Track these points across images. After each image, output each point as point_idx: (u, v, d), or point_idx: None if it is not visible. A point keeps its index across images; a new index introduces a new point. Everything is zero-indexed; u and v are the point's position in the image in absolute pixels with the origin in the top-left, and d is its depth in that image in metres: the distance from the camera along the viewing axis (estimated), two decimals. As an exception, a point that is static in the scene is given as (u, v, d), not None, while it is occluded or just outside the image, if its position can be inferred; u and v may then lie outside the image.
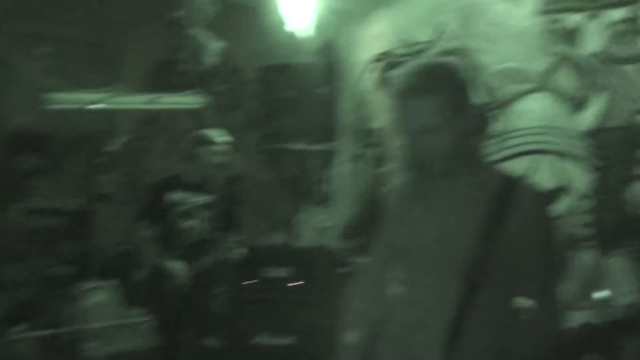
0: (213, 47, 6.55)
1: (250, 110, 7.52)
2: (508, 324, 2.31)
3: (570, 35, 5.75)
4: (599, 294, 4.69)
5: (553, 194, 5.48)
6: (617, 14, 5.51)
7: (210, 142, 5.02)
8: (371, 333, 2.49)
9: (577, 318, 4.31)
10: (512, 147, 5.78)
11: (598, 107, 5.56)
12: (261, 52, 6.84)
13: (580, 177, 5.61)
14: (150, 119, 8.31)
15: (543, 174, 5.64)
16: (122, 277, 6.82)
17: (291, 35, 6.74)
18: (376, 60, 6.82)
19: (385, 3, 6.79)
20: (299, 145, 6.62)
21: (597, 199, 5.53)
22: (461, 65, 2.31)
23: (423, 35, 6.51)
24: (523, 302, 2.59)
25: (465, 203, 2.29)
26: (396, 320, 2.38)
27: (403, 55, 6.54)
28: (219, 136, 5.06)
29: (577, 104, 5.65)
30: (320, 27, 6.80)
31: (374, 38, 6.88)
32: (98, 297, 6.12)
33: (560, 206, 5.51)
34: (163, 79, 7.91)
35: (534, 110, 5.84)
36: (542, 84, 5.84)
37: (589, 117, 5.60)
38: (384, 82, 6.68)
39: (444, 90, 2.23)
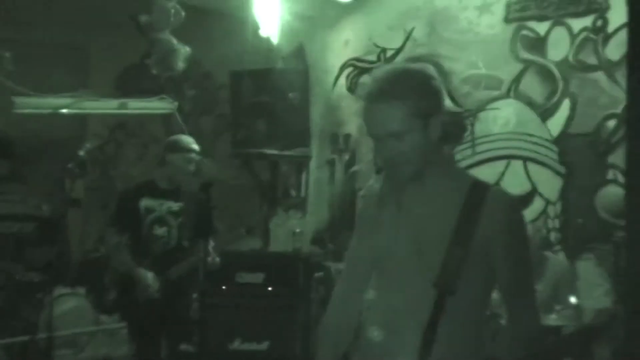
0: (182, 52, 6.50)
1: (221, 115, 7.52)
2: (483, 328, 2.36)
3: (538, 43, 5.82)
4: (569, 298, 4.75)
5: (523, 199, 5.56)
6: (583, 22, 5.59)
7: (181, 149, 4.94)
8: (347, 339, 2.50)
9: (547, 321, 4.35)
10: (481, 152, 5.85)
11: (566, 113, 5.64)
12: (232, 58, 6.83)
13: (548, 183, 5.69)
14: (120, 124, 8.27)
15: (512, 179, 5.72)
16: (94, 283, 6.79)
17: (262, 41, 6.74)
18: (346, 66, 6.86)
19: (355, 10, 6.83)
20: (271, 151, 6.61)
21: (566, 204, 5.62)
22: (429, 72, 2.30)
23: (392, 41, 6.57)
24: (498, 305, 2.63)
25: (437, 208, 2.29)
26: (372, 325, 2.39)
27: (372, 61, 6.59)
28: (189, 142, 5.00)
29: (545, 110, 5.73)
30: (291, 33, 6.81)
31: (344, 44, 6.92)
32: (70, 304, 6.07)
33: (530, 211, 5.60)
34: (132, 83, 7.87)
35: (502, 117, 5.91)
36: (510, 91, 5.92)
37: (556, 123, 5.68)
38: (354, 87, 6.72)
39: (409, 96, 2.22)
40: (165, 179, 4.99)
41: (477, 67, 6.08)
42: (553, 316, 4.48)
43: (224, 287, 5.67)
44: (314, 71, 6.95)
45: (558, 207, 5.64)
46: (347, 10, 6.85)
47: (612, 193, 5.33)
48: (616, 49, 5.39)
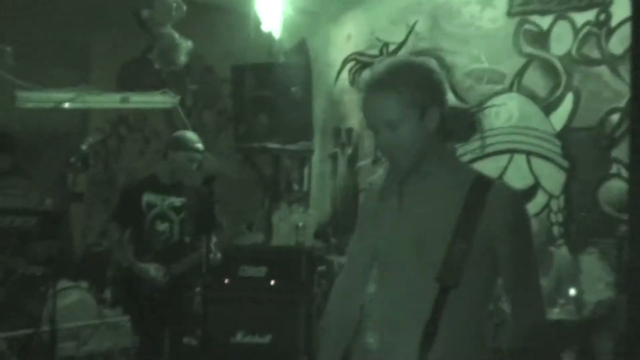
0: (184, 46, 6.49)
1: (223, 109, 7.51)
2: (485, 323, 2.36)
3: (541, 37, 5.82)
4: (571, 292, 4.75)
5: (526, 193, 5.57)
6: (586, 16, 5.59)
7: (185, 147, 4.91)
8: (348, 332, 2.49)
9: (550, 315, 4.35)
10: (484, 147, 5.85)
11: (569, 107, 5.64)
12: (235, 52, 6.82)
13: (552, 177, 5.69)
14: (122, 118, 8.27)
15: (515, 173, 5.73)
16: (97, 277, 6.80)
17: (265, 36, 6.73)
18: (349, 61, 6.86)
19: (358, 4, 6.83)
20: (274, 145, 6.60)
21: (569, 198, 5.62)
22: (430, 64, 2.30)
23: (395, 36, 6.56)
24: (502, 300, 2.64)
25: (440, 202, 2.28)
26: (373, 319, 2.39)
27: (375, 55, 6.59)
28: (193, 141, 4.97)
29: (548, 104, 5.73)
30: (294, 28, 6.80)
31: (346, 38, 6.92)
32: (73, 297, 6.07)
33: (533, 205, 5.60)
34: (134, 78, 7.87)
35: (505, 111, 5.91)
36: (513, 85, 5.91)
37: (559, 117, 5.68)
38: (356, 82, 6.71)
39: (406, 86, 2.22)
40: (168, 175, 4.98)
41: (479, 61, 6.08)
42: (556, 310, 4.49)
43: (226, 281, 5.67)
44: (317, 65, 6.95)
45: (561, 201, 5.65)
46: (349, 4, 6.86)
47: (615, 187, 5.33)
48: (619, 43, 5.39)
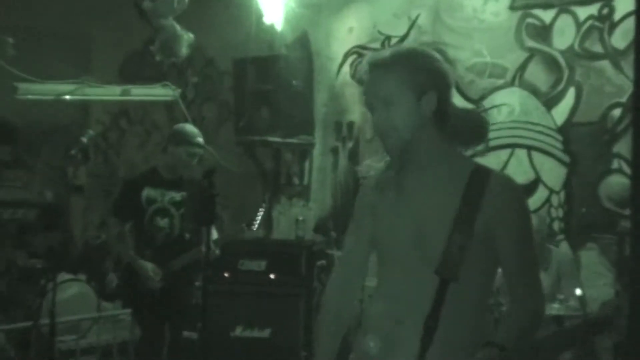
0: (186, 38, 6.47)
1: (224, 102, 7.50)
2: (486, 315, 2.35)
3: (543, 31, 5.80)
4: (572, 288, 4.74)
5: (526, 188, 5.56)
6: (589, 10, 5.57)
7: (185, 142, 4.88)
8: (345, 326, 2.49)
9: (550, 311, 4.34)
10: (487, 146, 5.82)
11: (570, 102, 5.62)
12: (236, 45, 6.80)
13: (553, 171, 5.68)
14: (123, 111, 8.26)
15: (516, 168, 5.72)
16: (95, 270, 6.80)
17: (266, 28, 6.72)
18: (350, 54, 6.84)
19: (360, -3, 6.81)
20: (274, 138, 6.59)
21: (570, 193, 5.61)
22: (434, 54, 2.32)
23: (397, 29, 6.54)
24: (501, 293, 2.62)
25: (438, 194, 2.28)
26: (374, 313, 2.38)
27: (377, 49, 6.56)
28: (194, 134, 4.94)
29: (550, 99, 5.71)
30: (295, 20, 6.78)
31: (348, 31, 6.90)
32: (73, 290, 6.07)
33: (534, 200, 5.58)
34: (135, 70, 7.86)
35: (507, 105, 5.89)
36: (515, 79, 5.90)
37: (561, 112, 5.67)
38: (358, 75, 6.69)
39: (406, 67, 2.25)
40: (168, 169, 4.96)
41: (481, 55, 6.06)
42: (556, 305, 4.47)
43: (226, 275, 5.67)
44: (318, 59, 6.93)
45: (562, 196, 5.64)
46: (351, -3, 6.84)
47: (617, 182, 5.32)
48: (622, 37, 5.37)
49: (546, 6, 5.77)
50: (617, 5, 5.41)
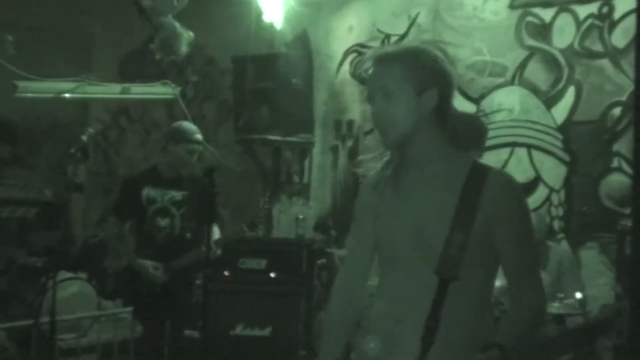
0: (186, 36, 6.47)
1: (224, 101, 7.50)
2: (487, 314, 2.35)
3: (543, 30, 5.80)
4: (571, 287, 4.74)
5: (526, 187, 5.56)
6: (589, 8, 5.56)
7: (184, 139, 4.86)
8: (350, 326, 2.51)
9: (550, 310, 4.34)
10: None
11: (570, 101, 5.62)
12: (236, 43, 6.80)
13: (553, 170, 5.68)
14: (123, 109, 8.26)
15: (516, 167, 5.72)
16: (94, 268, 6.80)
17: (266, 27, 6.71)
18: (350, 52, 6.84)
19: (359, -5, 6.81)
20: (274, 137, 6.59)
21: (570, 192, 5.61)
22: (437, 53, 2.34)
23: (396, 27, 6.54)
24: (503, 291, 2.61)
25: (437, 192, 2.28)
26: (375, 312, 2.39)
27: (376, 47, 6.56)
28: (192, 132, 4.92)
29: (550, 97, 5.71)
30: (295, 19, 6.78)
31: (348, 30, 6.90)
32: (74, 288, 6.07)
33: (533, 199, 5.59)
34: (135, 68, 7.85)
35: (506, 104, 5.89)
36: (515, 78, 5.89)
37: (561, 110, 5.67)
38: (357, 73, 6.69)
39: (409, 63, 2.27)
40: (168, 167, 4.94)
41: (481, 54, 6.06)
42: (556, 304, 4.47)
43: (226, 273, 5.66)
44: (318, 57, 6.93)
45: (562, 195, 5.64)
46: (351, -4, 6.84)
47: (617, 181, 5.32)
48: (622, 36, 5.36)
49: (546, 5, 5.77)
50: (617, 4, 5.40)
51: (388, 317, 2.32)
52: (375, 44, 6.59)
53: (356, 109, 6.71)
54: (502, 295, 3.90)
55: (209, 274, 4.19)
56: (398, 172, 2.36)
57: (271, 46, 6.84)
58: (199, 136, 4.92)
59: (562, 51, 5.67)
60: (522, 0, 5.89)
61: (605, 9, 5.48)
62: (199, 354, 4.54)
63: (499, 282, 2.38)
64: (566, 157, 5.62)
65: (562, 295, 4.58)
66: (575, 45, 5.61)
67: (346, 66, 6.85)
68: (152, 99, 7.32)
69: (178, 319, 4.92)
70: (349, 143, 6.78)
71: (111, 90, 7.14)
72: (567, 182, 5.61)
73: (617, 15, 5.41)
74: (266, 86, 6.51)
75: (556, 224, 5.61)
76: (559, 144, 5.65)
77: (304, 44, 6.88)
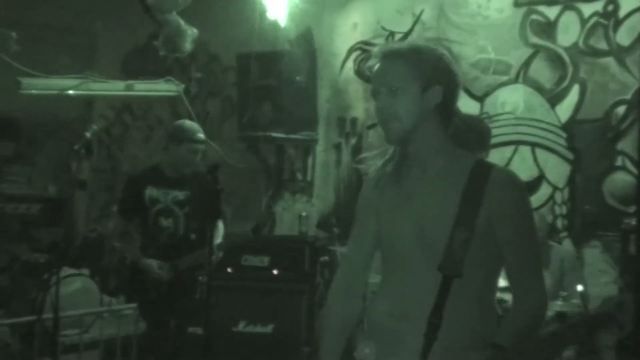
0: (190, 33, 6.46)
1: (228, 98, 7.50)
2: (490, 311, 2.34)
3: (547, 28, 5.79)
4: (574, 285, 4.73)
5: (530, 185, 5.55)
6: (594, 6, 5.55)
7: (186, 139, 4.83)
8: (351, 323, 2.51)
9: (553, 308, 4.34)
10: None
11: (575, 99, 5.61)
12: (240, 40, 6.80)
13: (556, 169, 5.67)
14: (126, 106, 8.26)
15: (520, 165, 5.71)
16: (99, 265, 6.81)
17: (270, 24, 6.71)
18: (354, 50, 6.84)
19: (363, -7, 6.80)
20: (278, 134, 6.59)
21: (574, 191, 5.61)
22: (444, 52, 2.36)
23: (401, 25, 6.53)
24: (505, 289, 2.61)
25: (440, 190, 2.28)
26: (378, 309, 2.39)
27: (380, 45, 6.54)
28: (194, 131, 4.89)
29: (554, 96, 5.70)
30: (299, 16, 6.77)
31: (352, 27, 6.89)
32: (77, 285, 6.08)
33: (537, 197, 5.58)
34: (139, 65, 7.85)
35: (510, 102, 5.89)
36: (519, 76, 5.89)
37: (565, 109, 5.66)
38: (361, 71, 6.69)
39: (414, 60, 2.28)
40: (171, 167, 4.91)
41: (486, 52, 6.05)
42: (558, 302, 4.47)
43: (229, 270, 5.66)
44: (322, 54, 6.92)
45: (565, 193, 5.63)
46: (355, -7, 6.83)
47: (620, 180, 5.32)
48: (627, 34, 5.36)
49: (551, 3, 5.77)
50: (622, 2, 5.41)
51: (391, 314, 2.31)
52: (379, 41, 6.58)
53: (360, 107, 6.70)
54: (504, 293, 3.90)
55: (211, 270, 4.19)
56: (400, 169, 2.37)
57: (275, 44, 6.83)
58: (201, 135, 4.88)
59: (566, 49, 5.67)
60: (527, -2, 5.89)
61: (610, 7, 5.48)
62: (201, 350, 4.55)
63: (502, 283, 2.38)
64: (570, 156, 5.62)
65: (565, 293, 4.57)
66: (580, 43, 5.61)
67: (350, 64, 6.85)
68: (156, 96, 7.31)
69: (182, 316, 4.92)
70: (353, 141, 6.78)
71: (115, 87, 7.13)
72: (571, 181, 5.61)
73: (622, 13, 5.41)
74: (270, 83, 6.51)
75: (559, 223, 5.61)
76: (562, 142, 5.65)
77: (307, 42, 6.87)
